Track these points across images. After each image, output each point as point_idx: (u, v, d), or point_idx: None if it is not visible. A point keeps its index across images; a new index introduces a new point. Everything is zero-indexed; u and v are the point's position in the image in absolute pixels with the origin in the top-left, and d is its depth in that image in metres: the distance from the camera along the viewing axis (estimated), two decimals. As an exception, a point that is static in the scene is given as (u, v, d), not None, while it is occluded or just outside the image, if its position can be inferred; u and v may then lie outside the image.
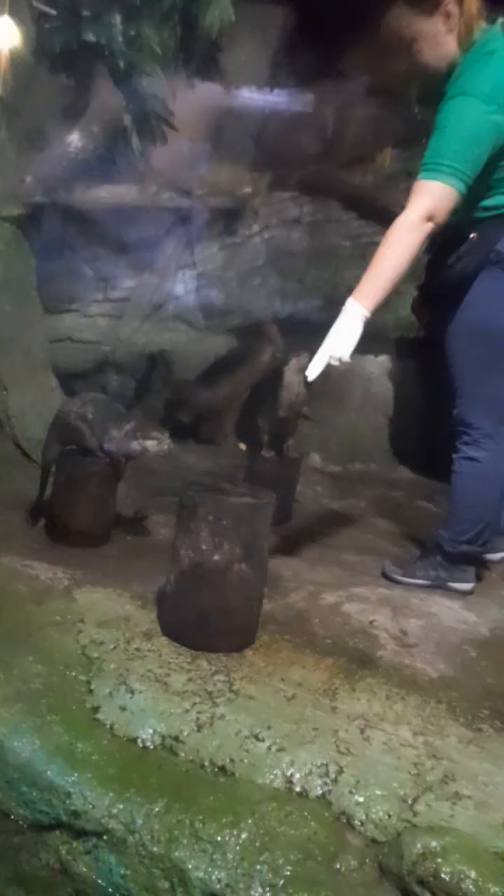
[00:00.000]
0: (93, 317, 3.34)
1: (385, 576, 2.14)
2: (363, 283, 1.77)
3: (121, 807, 1.17)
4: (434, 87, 1.80)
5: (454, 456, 2.03)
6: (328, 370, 1.79)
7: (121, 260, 3.21)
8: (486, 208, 1.84)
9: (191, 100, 2.93)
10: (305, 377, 1.81)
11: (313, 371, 1.79)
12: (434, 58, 1.77)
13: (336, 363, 1.77)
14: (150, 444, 2.08)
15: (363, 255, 3.11)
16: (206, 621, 1.56)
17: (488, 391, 1.95)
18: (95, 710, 1.36)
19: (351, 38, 3.18)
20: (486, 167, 1.74)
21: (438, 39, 1.75)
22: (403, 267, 1.76)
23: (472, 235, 1.84)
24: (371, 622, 1.80)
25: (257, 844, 1.11)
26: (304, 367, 2.72)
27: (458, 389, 1.99)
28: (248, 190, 3.02)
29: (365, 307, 1.76)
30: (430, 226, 1.72)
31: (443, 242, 1.89)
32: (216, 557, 1.54)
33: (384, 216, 3.06)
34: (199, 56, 2.99)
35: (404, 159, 2.90)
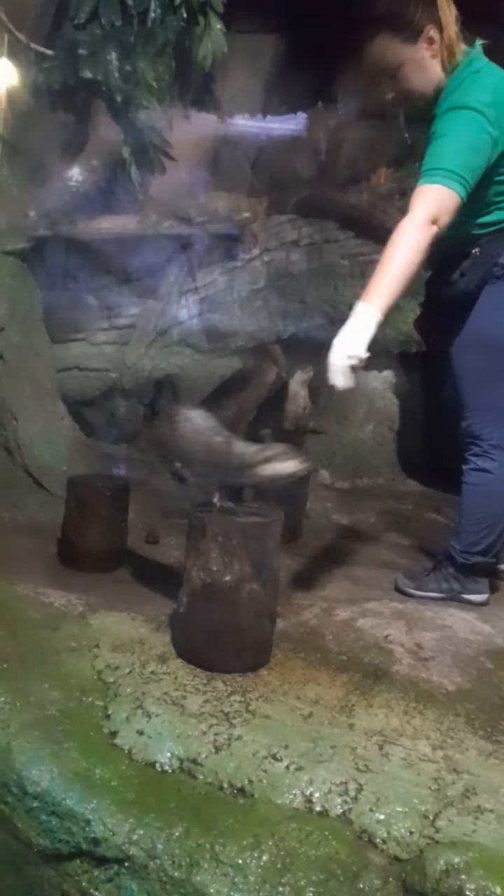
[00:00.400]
0: (99, 345, 3.39)
1: (398, 590, 2.14)
2: (371, 286, 1.72)
3: (141, 832, 1.17)
4: (422, 111, 1.84)
5: (464, 468, 2.04)
6: (353, 377, 1.71)
7: (124, 288, 3.26)
8: (485, 224, 1.87)
9: (187, 130, 3.00)
10: (311, 389, 1.82)
11: (338, 379, 1.70)
12: (420, 83, 1.82)
13: (355, 362, 1.70)
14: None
15: (362, 273, 3.16)
16: (220, 642, 1.56)
17: (496, 402, 1.97)
18: (113, 734, 1.37)
19: (341, 63, 3.26)
20: (482, 183, 1.77)
21: (423, 65, 1.80)
22: (411, 269, 1.72)
23: (474, 251, 1.87)
24: (385, 636, 1.79)
25: (279, 866, 1.10)
26: (309, 380, 2.75)
27: (466, 402, 2.01)
28: (246, 215, 3.08)
29: (375, 307, 1.70)
30: (434, 229, 1.71)
31: (441, 260, 1.92)
32: (227, 577, 1.55)
33: (381, 234, 3.12)
34: (194, 88, 3.08)
35: (398, 178, 2.95)
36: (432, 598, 2.07)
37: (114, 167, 2.89)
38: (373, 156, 3.11)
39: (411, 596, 2.09)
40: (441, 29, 1.77)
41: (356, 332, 1.70)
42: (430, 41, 1.78)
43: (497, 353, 1.93)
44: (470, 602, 2.06)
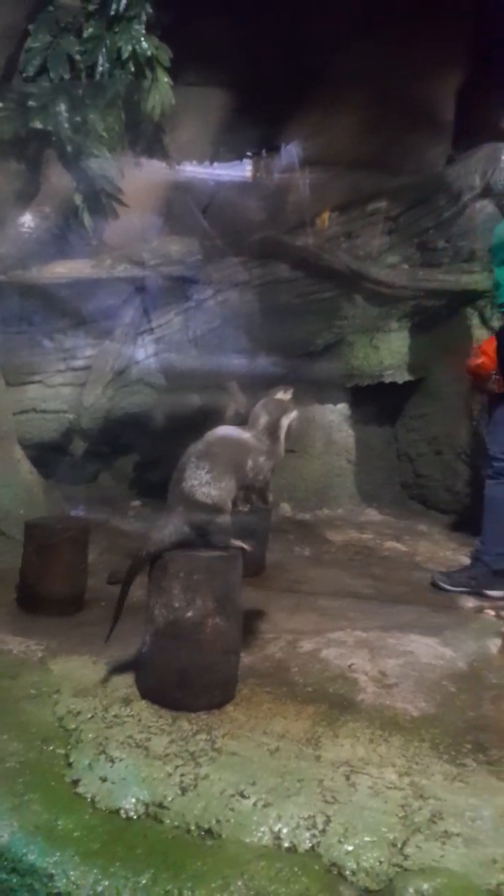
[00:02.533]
0: (55, 386, 3.39)
1: (434, 585, 2.48)
2: None
3: (106, 883, 1.14)
4: None
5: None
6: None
7: (80, 330, 3.29)
8: None
9: (139, 177, 3.09)
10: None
11: None
12: None
13: None
14: (294, 415, 1.83)
15: (313, 310, 3.26)
16: (185, 680, 1.55)
17: None
18: (76, 783, 1.33)
19: (284, 115, 3.42)
20: None
21: None
22: None
23: None
24: (350, 666, 1.80)
25: (249, 906, 1.09)
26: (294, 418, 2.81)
27: None
28: (199, 258, 3.16)
29: None
30: None
31: None
32: (190, 613, 1.54)
33: (329, 274, 3.24)
34: (145, 137, 3.19)
35: (342, 222, 3.08)
36: (459, 592, 2.37)
37: (67, 214, 2.94)
38: (319, 201, 3.25)
39: (444, 590, 2.40)
40: None
41: None
42: None
43: None
44: (490, 596, 2.35)
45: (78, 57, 2.79)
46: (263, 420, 1.83)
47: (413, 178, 3.60)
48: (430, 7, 3.11)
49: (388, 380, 3.50)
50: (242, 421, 2.77)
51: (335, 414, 3.65)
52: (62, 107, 2.79)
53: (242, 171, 3.48)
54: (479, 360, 2.27)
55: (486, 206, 2.97)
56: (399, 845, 1.17)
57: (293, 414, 1.87)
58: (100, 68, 2.78)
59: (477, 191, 2.95)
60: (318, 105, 3.39)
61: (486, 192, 2.94)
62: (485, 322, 3.22)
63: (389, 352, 3.47)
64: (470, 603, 2.40)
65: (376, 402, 3.73)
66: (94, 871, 1.16)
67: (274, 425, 1.82)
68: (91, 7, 2.79)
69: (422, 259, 3.09)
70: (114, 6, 2.74)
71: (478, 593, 2.33)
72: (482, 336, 3.25)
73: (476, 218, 2.97)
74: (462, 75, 3.65)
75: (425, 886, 1.07)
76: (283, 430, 1.83)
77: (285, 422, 1.83)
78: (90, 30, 2.78)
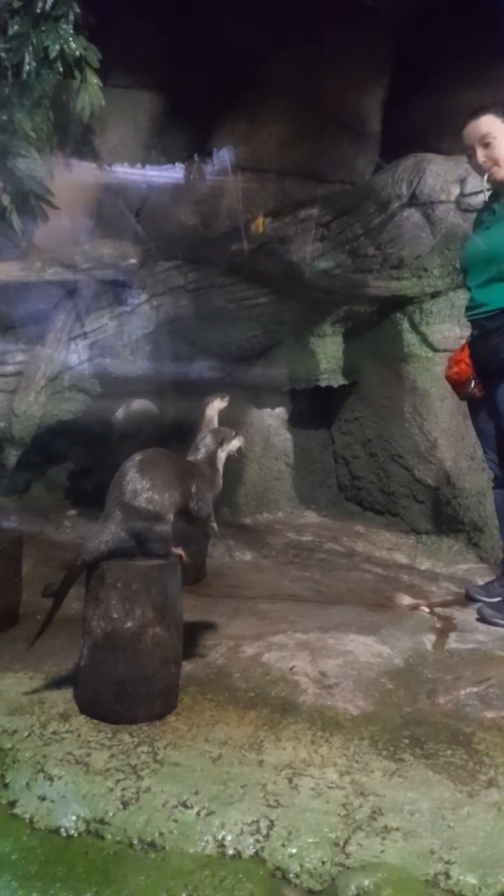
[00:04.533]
0: (-16, 393, 3.27)
1: (468, 597, 2.44)
2: None
3: (46, 906, 1.11)
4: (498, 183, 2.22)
5: None
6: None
7: (10, 335, 3.19)
8: None
9: (69, 179, 3.03)
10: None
11: None
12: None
13: None
14: (235, 444, 1.91)
15: (249, 315, 3.28)
16: (124, 692, 1.52)
17: None
18: (12, 804, 1.29)
19: (215, 119, 3.44)
20: None
21: None
22: None
23: None
24: (291, 668, 1.82)
25: (194, 918, 1.08)
26: (223, 408, 2.80)
27: None
28: (133, 261, 3.13)
29: None
30: None
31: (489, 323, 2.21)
32: (128, 624, 1.52)
33: (262, 279, 3.27)
34: (74, 138, 3.12)
35: (275, 228, 3.12)
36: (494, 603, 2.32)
37: (-7, 215, 2.85)
38: (251, 206, 3.27)
39: (479, 602, 2.36)
40: None
41: None
42: None
43: None
44: None
45: (3, 55, 2.71)
46: (203, 450, 1.85)
47: (341, 185, 3.68)
48: (354, 20, 3.20)
49: (323, 383, 3.55)
50: (201, 404, 2.73)
51: (273, 418, 3.68)
52: (-13, 105, 2.70)
53: (174, 174, 3.47)
54: (456, 369, 2.32)
55: (413, 215, 3.07)
56: (341, 844, 1.19)
57: (235, 442, 1.91)
58: (27, 67, 2.70)
59: (404, 199, 3.05)
60: (245, 112, 3.43)
61: (413, 201, 3.04)
62: (414, 327, 3.32)
63: (324, 356, 3.53)
64: (405, 600, 2.47)
65: (312, 406, 3.79)
66: (33, 894, 1.12)
67: (213, 456, 1.85)
68: (16, 4, 2.71)
69: (353, 265, 3.16)
70: (39, 4, 2.67)
71: None
72: (412, 340, 3.35)
73: (404, 226, 3.07)
74: (387, 87, 3.77)
75: (366, 882, 1.10)
76: (220, 462, 1.87)
77: (222, 455, 1.87)
78: (15, 27, 2.70)
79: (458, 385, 2.36)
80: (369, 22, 3.31)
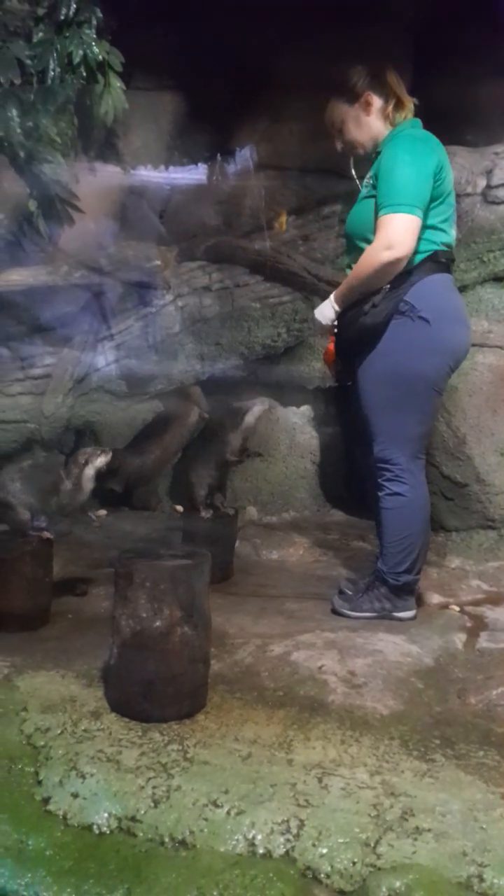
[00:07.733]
0: (14, 396, 3.32)
1: (335, 612, 2.22)
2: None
3: (80, 901, 1.12)
4: (363, 159, 2.21)
5: (379, 494, 2.14)
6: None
7: (38, 338, 3.23)
8: None
9: (93, 183, 3.05)
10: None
11: (320, 327, 2.25)
12: (358, 136, 2.17)
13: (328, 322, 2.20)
14: (100, 461, 2.18)
15: (272, 314, 3.27)
16: (154, 690, 1.54)
17: (402, 430, 2.08)
18: (46, 801, 1.31)
19: (237, 118, 3.44)
20: None
21: (360, 121, 2.15)
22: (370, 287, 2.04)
23: (385, 287, 1.99)
24: (319, 667, 1.82)
25: (225, 916, 1.09)
26: (264, 414, 2.81)
27: (376, 430, 2.12)
28: (157, 263, 3.14)
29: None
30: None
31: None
32: (157, 623, 1.53)
33: (287, 278, 3.27)
34: (98, 142, 3.15)
35: (299, 225, 3.11)
36: (367, 618, 2.14)
37: (20, 220, 2.89)
38: (273, 205, 3.27)
39: (348, 617, 2.17)
40: (383, 97, 2.13)
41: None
42: (367, 104, 2.13)
43: (402, 386, 2.05)
44: (401, 619, 2.16)
45: (28, 62, 2.75)
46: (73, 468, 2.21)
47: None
48: (374, 13, 3.17)
49: (349, 381, 3.53)
50: (239, 410, 2.75)
51: (298, 416, 3.67)
52: (13, 112, 2.74)
53: (197, 175, 3.47)
54: (329, 346, 2.28)
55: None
56: (372, 845, 1.19)
57: (101, 459, 2.21)
58: (51, 73, 2.73)
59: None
60: (266, 110, 3.42)
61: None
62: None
63: (349, 353, 3.51)
64: (435, 599, 2.44)
65: (337, 404, 3.76)
66: (67, 889, 1.14)
67: (78, 475, 2.20)
68: (40, 11, 2.75)
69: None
70: (63, 11, 2.71)
71: (386, 618, 2.18)
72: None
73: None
74: (408, 79, 3.71)
75: (397, 884, 1.09)
76: (86, 479, 2.19)
77: (90, 471, 2.19)
78: (40, 34, 2.73)
79: (327, 364, 2.37)
80: (388, 15, 3.28)
